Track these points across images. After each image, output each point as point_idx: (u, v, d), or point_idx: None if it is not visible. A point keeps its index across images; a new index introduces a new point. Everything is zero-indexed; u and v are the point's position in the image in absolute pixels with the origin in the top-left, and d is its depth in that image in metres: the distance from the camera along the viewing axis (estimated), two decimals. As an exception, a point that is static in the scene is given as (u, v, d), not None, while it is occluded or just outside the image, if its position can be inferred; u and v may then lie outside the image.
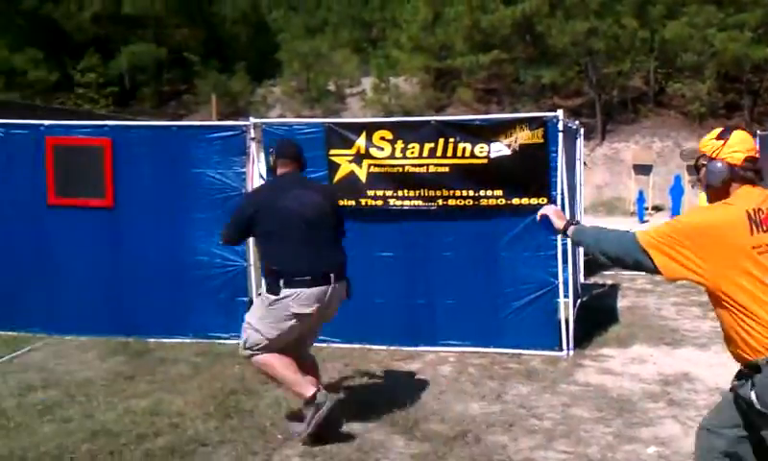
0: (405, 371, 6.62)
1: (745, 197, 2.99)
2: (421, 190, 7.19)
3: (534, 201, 6.97)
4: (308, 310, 4.82)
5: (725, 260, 2.89)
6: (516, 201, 7.04)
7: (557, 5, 31.06)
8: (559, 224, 3.53)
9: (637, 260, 3.06)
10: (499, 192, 7.06)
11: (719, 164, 3.04)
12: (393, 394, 5.94)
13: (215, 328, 7.52)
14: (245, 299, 7.54)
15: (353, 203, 7.27)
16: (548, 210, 3.62)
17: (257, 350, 4.92)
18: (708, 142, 3.13)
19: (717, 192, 3.08)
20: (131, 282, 7.66)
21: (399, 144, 7.16)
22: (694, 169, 3.26)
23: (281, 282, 4.80)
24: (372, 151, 7.20)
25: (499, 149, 7.00)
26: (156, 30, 42.50)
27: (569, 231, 3.46)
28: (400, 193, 7.22)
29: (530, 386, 6.15)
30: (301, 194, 5.01)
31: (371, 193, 7.27)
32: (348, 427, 5.19)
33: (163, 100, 41.53)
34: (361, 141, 7.21)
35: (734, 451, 3.11)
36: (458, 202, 7.15)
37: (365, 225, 7.26)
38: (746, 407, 2.97)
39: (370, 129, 7.29)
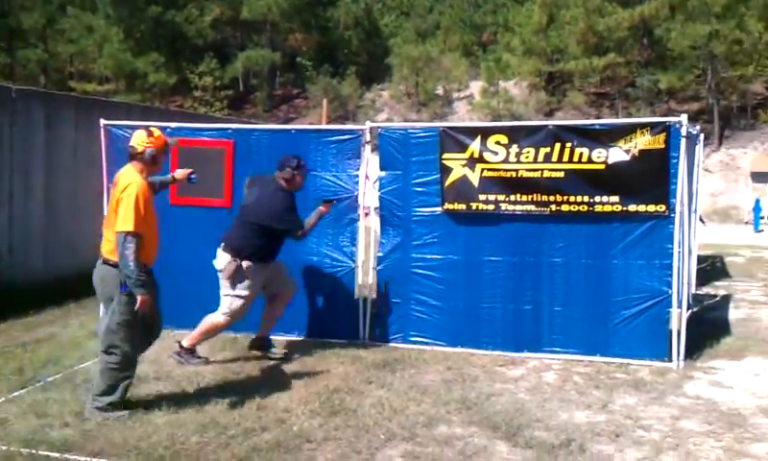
0: (508, 376, 6.63)
1: None
2: (535, 195, 7.18)
3: (652, 208, 6.88)
4: None
5: None
6: (632, 207, 6.94)
7: (677, 7, 30.09)
8: None
9: None
10: (615, 198, 6.97)
11: None
12: (495, 399, 5.97)
13: (321, 330, 7.74)
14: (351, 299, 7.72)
15: (464, 207, 7.35)
16: None
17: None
18: None
19: None
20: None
21: (514, 148, 7.18)
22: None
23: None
24: (486, 155, 7.25)
25: (618, 154, 6.92)
26: (272, 35, 43.65)
27: None
28: (513, 198, 7.23)
29: (637, 397, 6.05)
30: None
31: (482, 197, 7.32)
32: (451, 431, 5.27)
33: (275, 103, 42.59)
34: (475, 145, 7.27)
35: None
36: (572, 207, 7.10)
37: (475, 228, 7.38)
38: None
39: (485, 133, 7.34)
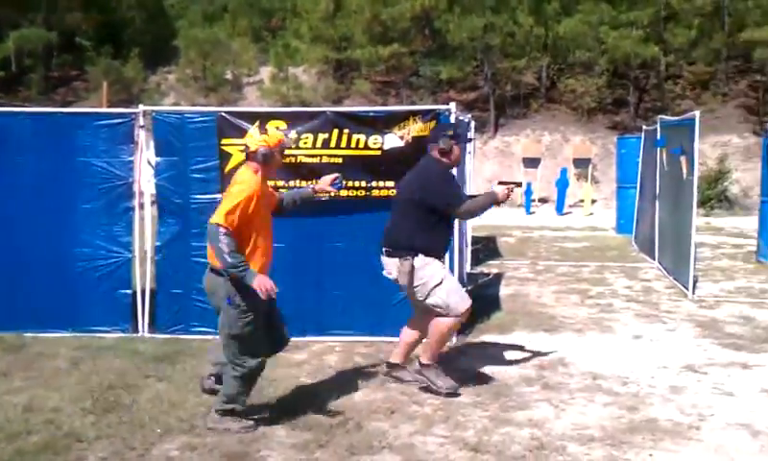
0: (291, 361, 6.65)
1: None
2: (314, 181, 7.22)
3: None
4: None
5: None
6: None
7: (455, 0, 31.51)
8: None
9: None
10: (391, 184, 7.16)
11: None
12: (277, 384, 5.98)
13: (96, 322, 7.37)
14: (128, 291, 7.42)
15: None
16: None
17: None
18: None
19: None
20: (7, 274, 7.41)
21: (293, 134, 7.19)
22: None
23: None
24: None
25: (393, 140, 7.13)
26: (47, 13, 40.78)
27: None
28: (293, 184, 7.22)
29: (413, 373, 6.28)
30: None
31: None
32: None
33: (52, 86, 39.91)
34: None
35: None
36: (350, 193, 7.22)
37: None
38: None
39: (263, 118, 7.27)
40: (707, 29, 30.63)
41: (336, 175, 5.63)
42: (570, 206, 23.19)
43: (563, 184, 22.89)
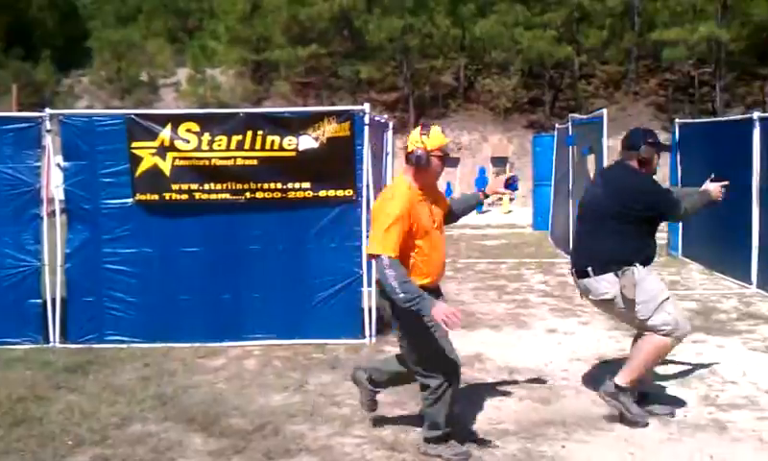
0: (209, 367, 6.57)
1: None
2: (229, 183, 7.17)
3: (341, 193, 7.17)
4: None
5: None
6: (322, 193, 7.18)
7: (374, 1, 31.67)
8: None
9: None
10: (307, 185, 7.17)
11: None
12: (193, 391, 5.89)
13: (5, 333, 7.13)
14: (38, 301, 7.21)
15: (157, 197, 7.15)
16: None
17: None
18: None
19: None
20: None
21: (206, 137, 7.11)
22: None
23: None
24: (178, 143, 7.09)
25: (308, 141, 7.11)
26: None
27: None
28: (207, 186, 7.16)
29: (332, 375, 6.29)
30: None
31: (175, 187, 7.16)
32: (145, 429, 5.12)
33: (-42, 89, 38.40)
34: (166, 133, 7.08)
35: None
36: (266, 195, 7.18)
37: (170, 219, 7.20)
38: None
39: (175, 121, 7.17)
40: (618, 29, 31.73)
41: (512, 174, 4.96)
42: (490, 205, 23.56)
43: (481, 183, 23.23)
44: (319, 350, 7.00)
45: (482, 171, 23.50)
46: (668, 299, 5.05)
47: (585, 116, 13.14)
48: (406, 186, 4.45)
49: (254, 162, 7.14)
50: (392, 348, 7.06)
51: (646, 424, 5.07)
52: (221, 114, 7.83)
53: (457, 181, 24.72)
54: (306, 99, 31.86)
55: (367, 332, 7.24)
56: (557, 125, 15.65)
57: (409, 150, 4.46)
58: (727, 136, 11.00)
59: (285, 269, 7.29)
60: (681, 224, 12.24)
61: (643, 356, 5.09)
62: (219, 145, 7.12)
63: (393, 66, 32.61)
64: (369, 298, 7.26)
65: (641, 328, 5.13)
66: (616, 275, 5.02)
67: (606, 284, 5.08)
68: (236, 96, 32.02)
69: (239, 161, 7.14)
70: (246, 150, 7.13)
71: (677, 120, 13.34)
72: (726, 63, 30.21)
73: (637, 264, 5.00)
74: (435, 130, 4.46)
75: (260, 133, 7.12)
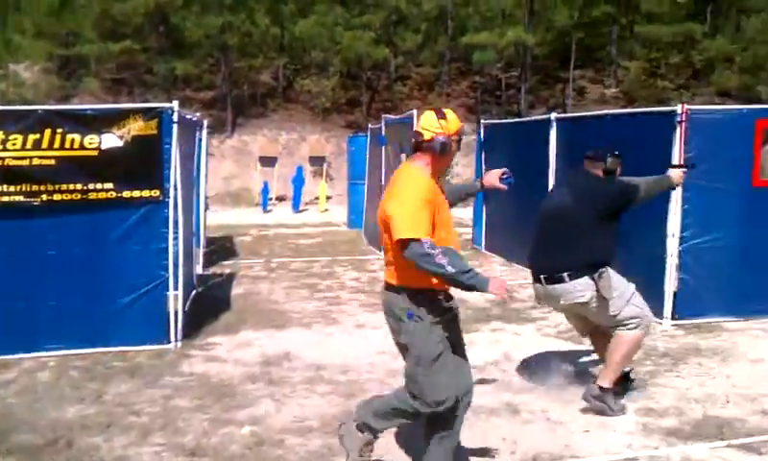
0: (-2, 381, 6.18)
1: None
2: (24, 185, 6.76)
3: (146, 193, 6.97)
4: None
5: None
6: (127, 194, 6.95)
7: (192, -3, 30.89)
8: None
9: None
10: (110, 185, 6.91)
11: None
12: (-21, 407, 5.51)
13: None
14: None
15: None
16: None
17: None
18: None
19: None
20: None
21: (0, 135, 6.65)
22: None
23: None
24: None
25: (111, 140, 6.85)
26: None
27: None
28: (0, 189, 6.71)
29: (132, 383, 6.10)
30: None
31: None
32: None
33: None
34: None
35: None
36: (64, 196, 6.84)
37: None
38: None
39: None
40: (432, 33, 32.85)
41: (504, 169, 4.75)
42: (306, 204, 23.67)
43: (299, 182, 23.31)
44: (119, 357, 6.74)
45: (299, 170, 23.56)
46: (634, 293, 5.38)
47: (397, 116, 13.49)
48: (423, 174, 4.09)
49: (52, 162, 6.77)
50: (198, 352, 6.97)
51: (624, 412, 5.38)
52: (16, 111, 7.35)
53: (275, 181, 24.63)
54: (118, 96, 30.47)
55: (172, 337, 7.06)
56: (370, 125, 15.97)
57: (427, 138, 4.08)
58: (527, 136, 11.72)
59: (84, 274, 6.95)
60: (483, 220, 12.92)
61: (620, 354, 5.35)
62: (14, 144, 6.69)
63: (210, 64, 31.95)
64: (174, 301, 7.10)
65: (611, 324, 5.39)
66: (592, 278, 5.25)
67: (581, 288, 5.29)
68: (41, 93, 30.10)
69: (36, 161, 6.74)
70: (43, 149, 6.74)
71: (482, 121, 13.97)
72: (531, 67, 32.00)
73: (608, 267, 5.30)
74: (450, 113, 4.17)
75: (59, 131, 6.77)
